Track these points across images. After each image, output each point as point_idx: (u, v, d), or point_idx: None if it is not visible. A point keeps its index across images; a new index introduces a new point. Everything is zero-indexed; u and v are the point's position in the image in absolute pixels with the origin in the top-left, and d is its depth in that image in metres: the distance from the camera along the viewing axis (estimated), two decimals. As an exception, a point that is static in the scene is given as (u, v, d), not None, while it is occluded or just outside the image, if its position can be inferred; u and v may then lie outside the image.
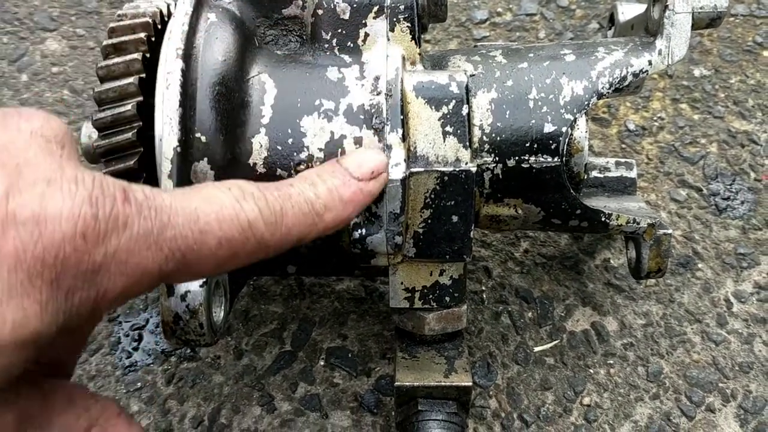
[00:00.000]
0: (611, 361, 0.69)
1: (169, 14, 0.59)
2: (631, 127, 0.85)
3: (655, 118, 0.86)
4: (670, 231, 0.61)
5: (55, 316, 0.29)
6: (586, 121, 0.57)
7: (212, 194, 0.36)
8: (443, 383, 0.56)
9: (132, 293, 0.32)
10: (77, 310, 0.30)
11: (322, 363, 0.69)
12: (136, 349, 0.70)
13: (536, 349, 0.70)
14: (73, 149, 0.32)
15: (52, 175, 0.30)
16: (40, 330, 0.29)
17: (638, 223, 0.59)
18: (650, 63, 0.56)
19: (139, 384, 0.68)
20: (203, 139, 0.50)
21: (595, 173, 0.68)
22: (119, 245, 0.30)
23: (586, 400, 0.67)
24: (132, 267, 0.31)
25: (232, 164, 0.51)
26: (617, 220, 0.59)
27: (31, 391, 0.33)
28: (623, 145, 0.83)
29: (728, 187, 0.80)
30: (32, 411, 0.33)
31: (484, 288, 0.74)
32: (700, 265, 0.75)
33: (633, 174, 0.69)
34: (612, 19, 0.68)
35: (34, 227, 0.28)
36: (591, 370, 0.69)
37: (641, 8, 0.63)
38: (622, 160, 0.69)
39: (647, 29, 0.60)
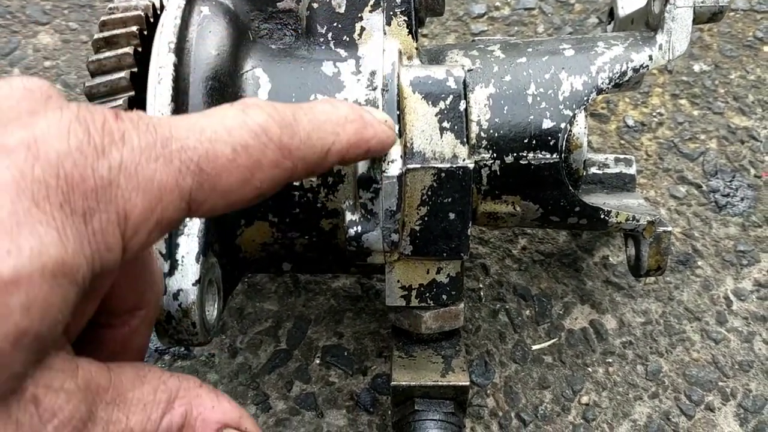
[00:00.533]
0: (610, 360, 0.69)
1: (162, 7, 0.58)
2: (630, 122, 0.84)
3: (654, 114, 0.85)
4: (670, 228, 0.60)
5: (80, 245, 0.27)
6: (585, 116, 0.56)
7: (212, 110, 0.34)
8: (440, 383, 0.56)
9: (159, 216, 0.29)
10: (103, 237, 0.28)
11: (317, 361, 0.68)
12: (129, 347, 0.69)
13: (534, 347, 0.69)
14: (60, 98, 0.30)
15: (35, 108, 0.29)
16: (65, 259, 0.26)
17: (638, 221, 0.59)
18: (651, 58, 0.55)
19: (132, 382, 0.67)
20: (196, 134, 0.49)
21: (594, 170, 0.67)
22: (122, 158, 0.28)
23: (585, 399, 0.66)
24: (145, 180, 0.29)
25: (225, 160, 0.50)
26: (616, 217, 0.58)
27: (92, 363, 0.31)
28: (622, 141, 0.83)
29: (728, 183, 0.80)
30: (100, 381, 0.30)
31: (481, 285, 0.73)
32: (699, 263, 0.74)
33: (632, 170, 0.68)
34: (611, 14, 0.67)
35: (26, 152, 0.27)
36: (589, 369, 0.68)
37: (641, 2, 0.62)
38: (622, 156, 0.68)
39: (648, 24, 0.59)
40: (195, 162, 0.30)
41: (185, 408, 0.33)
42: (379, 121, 0.42)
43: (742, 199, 0.79)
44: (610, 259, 0.75)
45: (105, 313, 0.36)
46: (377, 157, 0.48)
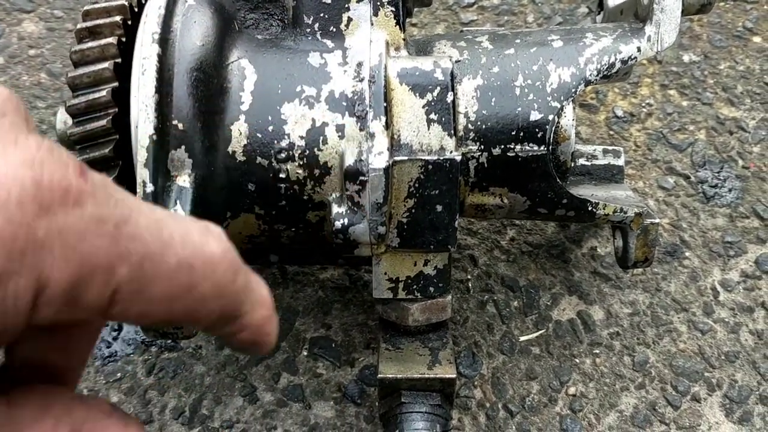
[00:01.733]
0: (597, 351, 0.69)
1: (147, -4, 0.57)
2: (620, 113, 0.84)
3: (643, 105, 0.85)
4: (657, 220, 0.60)
5: None
6: (574, 108, 0.56)
7: (179, 217, 0.31)
8: (427, 375, 0.56)
9: (80, 295, 0.26)
10: (13, 302, 0.25)
11: (305, 353, 0.68)
12: (115, 339, 0.69)
13: (522, 338, 0.69)
14: (20, 118, 0.27)
15: None
16: None
17: (625, 213, 0.59)
18: (639, 50, 0.55)
19: (118, 374, 0.67)
20: (180, 126, 0.48)
21: (582, 161, 0.67)
22: (67, 223, 0.25)
23: (572, 390, 0.67)
24: (81, 256, 0.25)
25: (210, 152, 0.50)
26: (604, 209, 0.58)
27: None
28: (611, 132, 0.82)
29: (716, 174, 0.80)
30: None
31: (469, 277, 0.73)
32: (687, 254, 0.75)
33: (620, 162, 0.68)
34: (601, 4, 0.66)
35: None
36: (577, 360, 0.68)
37: (630, -7, 0.61)
38: (610, 147, 0.68)
39: (637, 15, 0.59)
40: (140, 255, 0.27)
41: None
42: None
43: (730, 190, 0.79)
44: (598, 250, 0.75)
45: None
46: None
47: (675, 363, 0.68)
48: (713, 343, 0.70)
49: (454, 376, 0.56)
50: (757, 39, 0.90)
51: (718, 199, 0.78)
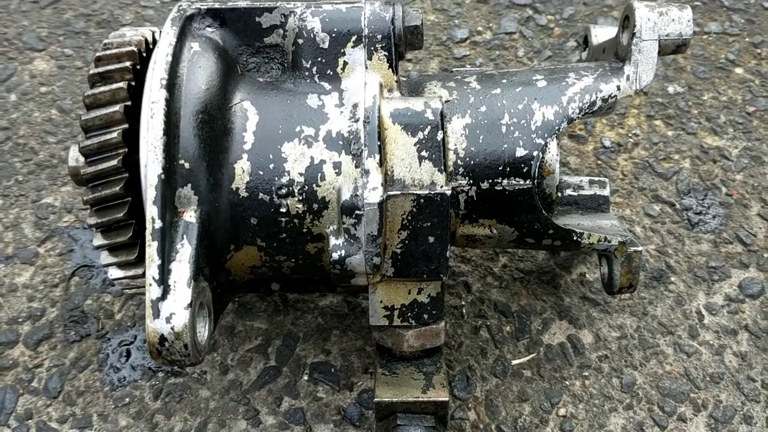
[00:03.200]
0: (586, 373, 0.71)
1: (155, 41, 0.60)
2: (607, 143, 0.87)
3: (630, 135, 0.88)
4: (640, 248, 0.63)
5: None
6: (558, 144, 0.59)
7: None
8: (421, 398, 0.58)
9: None
10: None
11: (305, 378, 0.71)
12: (124, 365, 0.72)
13: (514, 362, 0.72)
14: None
15: None
16: None
17: (609, 241, 0.62)
18: (619, 88, 0.59)
19: (127, 399, 0.69)
20: (187, 165, 0.51)
21: (569, 191, 0.70)
22: None
23: (562, 411, 0.69)
24: None
25: (215, 189, 0.53)
26: (589, 238, 0.61)
27: None
28: (599, 162, 0.86)
29: (700, 201, 0.83)
30: None
31: (463, 303, 0.76)
32: (672, 279, 0.77)
33: (606, 192, 0.71)
34: (586, 41, 0.70)
35: None
36: (567, 382, 0.71)
37: (613, 33, 0.65)
38: (596, 178, 0.71)
39: (617, 54, 0.62)
40: None
41: None
42: None
43: (714, 217, 0.82)
44: (587, 276, 0.78)
45: None
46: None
47: (661, 384, 0.71)
48: (698, 365, 0.72)
49: (447, 399, 0.58)
50: (739, 70, 0.94)
51: (703, 225, 0.81)
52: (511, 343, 0.73)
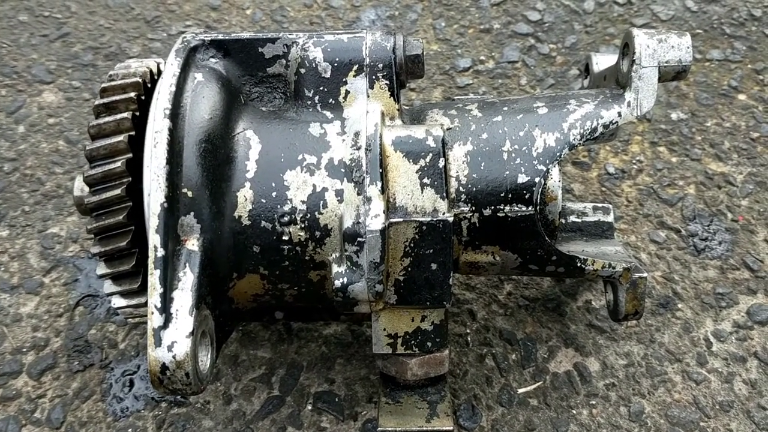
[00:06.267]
0: (594, 402, 0.71)
1: (159, 72, 0.61)
2: (611, 170, 0.87)
3: (634, 161, 0.88)
4: (645, 274, 0.62)
5: None
6: (560, 170, 0.59)
7: None
8: (425, 428, 0.58)
9: None
10: None
11: (309, 407, 0.70)
12: (127, 395, 0.71)
13: (520, 390, 0.71)
14: None
15: None
16: None
17: (614, 268, 0.61)
18: (620, 114, 0.59)
19: (129, 430, 0.69)
20: (190, 194, 0.52)
21: (573, 218, 0.70)
22: None
23: (570, 441, 0.68)
24: None
25: (217, 217, 0.53)
26: (593, 265, 0.61)
27: None
28: (603, 188, 0.86)
29: (706, 227, 0.83)
30: None
31: (468, 331, 0.75)
32: (679, 305, 0.77)
33: (610, 218, 0.71)
34: (587, 69, 0.70)
35: None
36: (574, 411, 0.70)
37: (613, 60, 0.65)
38: (600, 204, 0.71)
39: (618, 81, 0.62)
40: None
41: None
42: None
43: (720, 243, 0.81)
44: (593, 303, 0.77)
45: None
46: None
47: (670, 413, 0.70)
48: (707, 393, 0.71)
49: (451, 428, 0.58)
50: (742, 96, 0.94)
51: (709, 251, 0.81)
52: (516, 371, 0.73)
